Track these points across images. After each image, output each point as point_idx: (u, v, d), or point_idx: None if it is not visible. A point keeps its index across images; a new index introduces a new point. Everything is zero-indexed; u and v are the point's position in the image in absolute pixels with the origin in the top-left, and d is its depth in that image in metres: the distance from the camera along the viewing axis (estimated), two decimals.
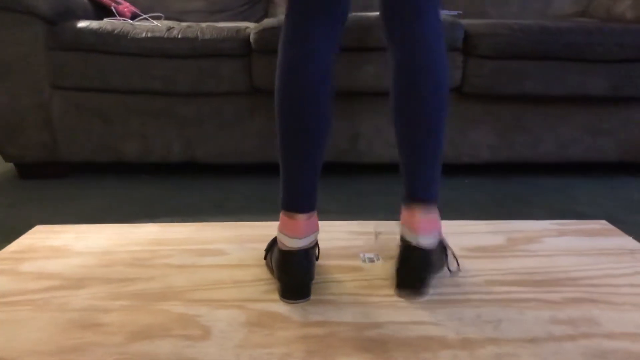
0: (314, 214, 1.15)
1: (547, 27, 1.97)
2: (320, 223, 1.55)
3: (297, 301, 1.12)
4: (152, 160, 2.11)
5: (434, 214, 1.13)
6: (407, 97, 1.09)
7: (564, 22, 2.08)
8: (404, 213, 1.14)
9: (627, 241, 1.44)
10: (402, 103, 1.10)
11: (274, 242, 1.25)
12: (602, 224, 1.57)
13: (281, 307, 1.09)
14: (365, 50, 1.94)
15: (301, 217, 1.12)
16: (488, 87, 2.01)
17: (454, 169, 2.22)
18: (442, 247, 1.20)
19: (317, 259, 1.25)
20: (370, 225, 1.54)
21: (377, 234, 1.27)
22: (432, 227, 1.12)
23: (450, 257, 1.29)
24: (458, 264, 1.27)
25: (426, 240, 1.10)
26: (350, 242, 1.42)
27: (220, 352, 0.94)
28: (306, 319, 1.05)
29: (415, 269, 1.11)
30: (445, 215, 1.69)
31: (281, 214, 1.14)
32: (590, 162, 2.15)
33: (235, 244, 1.41)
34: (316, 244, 1.20)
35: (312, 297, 1.14)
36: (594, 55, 1.98)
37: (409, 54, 1.09)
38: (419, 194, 1.12)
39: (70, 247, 1.39)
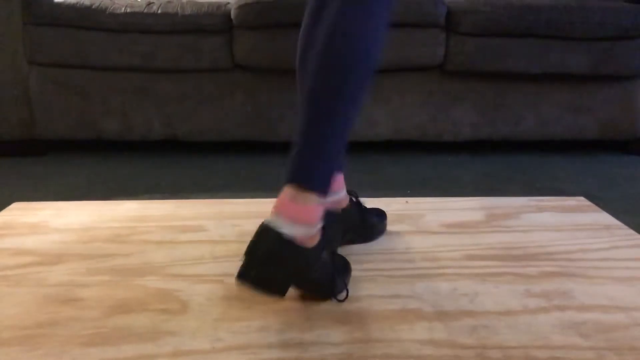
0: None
1: (528, 4, 1.97)
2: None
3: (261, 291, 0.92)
4: (133, 138, 2.09)
5: (309, 204, 0.91)
6: (314, 54, 0.94)
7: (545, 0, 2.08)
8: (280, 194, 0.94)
9: (604, 217, 1.46)
10: (307, 59, 1.01)
11: None
12: (580, 201, 1.59)
13: None
14: None
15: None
16: (470, 65, 2.01)
17: (435, 147, 2.22)
18: (322, 258, 0.98)
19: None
20: None
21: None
22: (298, 216, 0.90)
23: (337, 282, 1.02)
24: (347, 293, 1.03)
25: (285, 226, 0.89)
26: None
27: (199, 325, 0.94)
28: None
29: (257, 255, 0.88)
30: (426, 193, 1.70)
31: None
32: (571, 139, 2.17)
33: (216, 220, 1.41)
34: (344, 209, 1.20)
35: None
36: (575, 33, 1.98)
37: (332, 12, 0.93)
38: (297, 176, 0.92)
39: (49, 223, 1.38)
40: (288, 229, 0.89)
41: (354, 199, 1.26)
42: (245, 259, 0.89)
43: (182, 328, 0.94)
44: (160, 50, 1.97)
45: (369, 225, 1.29)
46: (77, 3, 1.94)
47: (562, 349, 0.89)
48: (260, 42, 1.93)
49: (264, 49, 1.94)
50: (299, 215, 0.90)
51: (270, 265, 0.89)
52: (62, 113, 2.05)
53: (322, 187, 0.93)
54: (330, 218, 1.03)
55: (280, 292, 0.91)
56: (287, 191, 0.91)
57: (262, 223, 0.90)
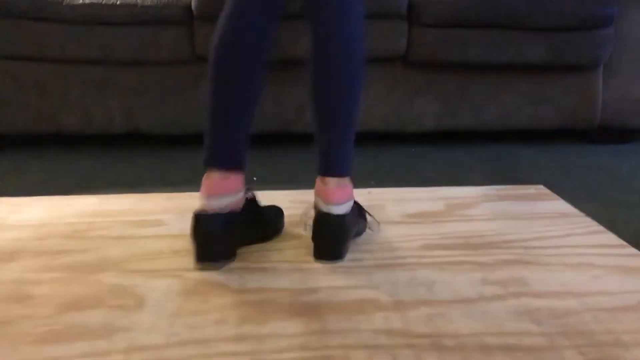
0: (232, 175, 1.13)
1: None
2: (263, 193, 1.55)
3: (205, 263, 1.11)
4: (93, 132, 2.05)
5: (346, 185, 1.16)
6: (321, 67, 1.12)
7: None
8: (318, 183, 1.16)
9: (561, 205, 1.49)
10: (317, 75, 1.12)
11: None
12: (539, 189, 1.61)
13: (219, 276, 1.09)
14: None
15: (214, 175, 1.12)
16: (432, 56, 2.02)
17: (399, 138, 2.23)
18: (358, 211, 1.24)
19: (255, 222, 1.23)
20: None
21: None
22: (345, 197, 1.15)
23: (369, 218, 1.33)
24: (378, 223, 1.30)
25: (339, 209, 1.13)
26: (292, 211, 1.42)
27: (154, 321, 0.93)
28: (243, 286, 1.05)
29: (330, 235, 1.14)
30: (390, 184, 1.71)
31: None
32: (531, 129, 2.20)
33: (176, 214, 1.40)
34: (241, 210, 1.16)
35: (251, 265, 1.14)
36: (534, 23, 2.01)
37: (322, 22, 1.11)
38: (334, 170, 1.15)
39: (4, 220, 1.35)
40: (343, 210, 1.14)
41: (248, 198, 1.21)
42: (319, 244, 1.15)
43: (137, 324, 0.93)
44: (120, 42, 1.94)
45: (265, 223, 1.26)
46: None
47: (515, 335, 0.91)
48: None
49: None
50: (348, 197, 1.15)
51: (342, 241, 1.15)
52: (20, 107, 2.00)
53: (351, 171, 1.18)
54: (233, 219, 1.13)
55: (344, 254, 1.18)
56: (330, 182, 1.14)
57: (324, 214, 1.13)
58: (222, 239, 1.12)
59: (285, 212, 1.41)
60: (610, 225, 1.39)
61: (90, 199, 1.50)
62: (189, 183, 1.72)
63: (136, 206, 1.45)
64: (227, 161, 1.13)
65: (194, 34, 1.95)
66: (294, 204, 1.47)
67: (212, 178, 1.12)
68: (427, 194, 1.55)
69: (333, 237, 1.14)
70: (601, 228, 1.33)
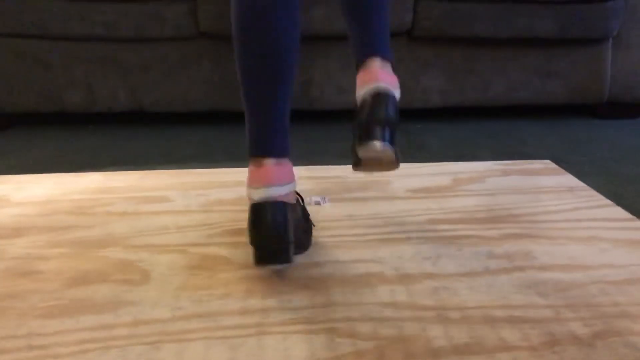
0: (286, 162, 0.98)
1: None
2: None
3: (272, 265, 0.98)
4: (97, 110, 2.04)
5: (392, 71, 1.09)
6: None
7: None
8: (360, 74, 1.07)
9: (568, 179, 1.47)
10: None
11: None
12: (546, 164, 1.60)
13: (223, 250, 1.09)
14: None
15: (269, 162, 0.96)
16: (438, 30, 1.99)
17: (405, 114, 2.22)
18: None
19: (306, 223, 1.10)
20: (318, 170, 1.54)
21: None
22: (393, 80, 1.07)
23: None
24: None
25: (389, 88, 1.03)
26: (298, 187, 1.42)
27: (160, 295, 0.94)
28: (248, 261, 1.05)
29: (383, 109, 1.00)
30: None
31: (249, 167, 0.98)
32: (539, 104, 2.18)
33: (181, 190, 1.40)
34: (297, 202, 1.06)
35: None
36: None
37: None
38: (378, 51, 1.06)
39: (9, 197, 1.36)
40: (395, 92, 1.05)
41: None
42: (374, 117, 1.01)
43: (142, 298, 0.93)
44: (123, 19, 1.92)
45: (309, 227, 1.13)
46: None
47: (521, 308, 0.91)
48: (225, 9, 1.89)
49: (229, 16, 1.90)
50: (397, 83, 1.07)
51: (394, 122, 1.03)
52: (23, 86, 2.00)
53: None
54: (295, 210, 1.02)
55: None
56: (375, 61, 1.06)
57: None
58: (286, 233, 0.94)
59: None
60: (618, 199, 1.38)
61: (95, 176, 1.50)
62: (193, 160, 1.71)
63: (141, 183, 1.45)
64: (279, 147, 0.97)
65: (197, 10, 1.92)
66: (300, 179, 1.46)
67: (266, 166, 0.96)
68: (433, 169, 1.54)
69: (387, 111, 1.01)
70: (608, 202, 1.32)
